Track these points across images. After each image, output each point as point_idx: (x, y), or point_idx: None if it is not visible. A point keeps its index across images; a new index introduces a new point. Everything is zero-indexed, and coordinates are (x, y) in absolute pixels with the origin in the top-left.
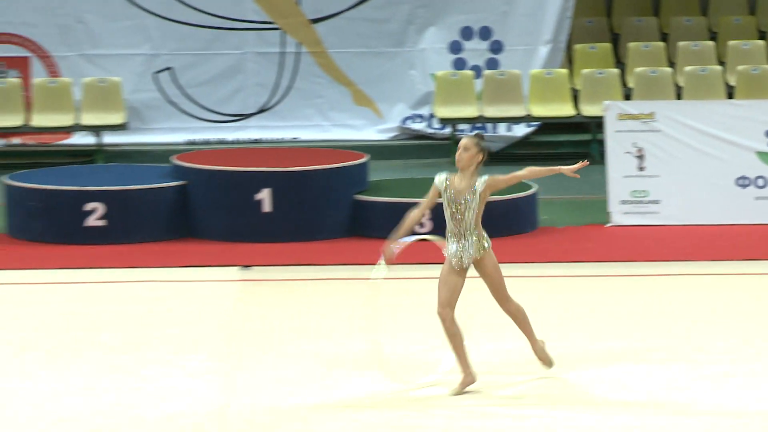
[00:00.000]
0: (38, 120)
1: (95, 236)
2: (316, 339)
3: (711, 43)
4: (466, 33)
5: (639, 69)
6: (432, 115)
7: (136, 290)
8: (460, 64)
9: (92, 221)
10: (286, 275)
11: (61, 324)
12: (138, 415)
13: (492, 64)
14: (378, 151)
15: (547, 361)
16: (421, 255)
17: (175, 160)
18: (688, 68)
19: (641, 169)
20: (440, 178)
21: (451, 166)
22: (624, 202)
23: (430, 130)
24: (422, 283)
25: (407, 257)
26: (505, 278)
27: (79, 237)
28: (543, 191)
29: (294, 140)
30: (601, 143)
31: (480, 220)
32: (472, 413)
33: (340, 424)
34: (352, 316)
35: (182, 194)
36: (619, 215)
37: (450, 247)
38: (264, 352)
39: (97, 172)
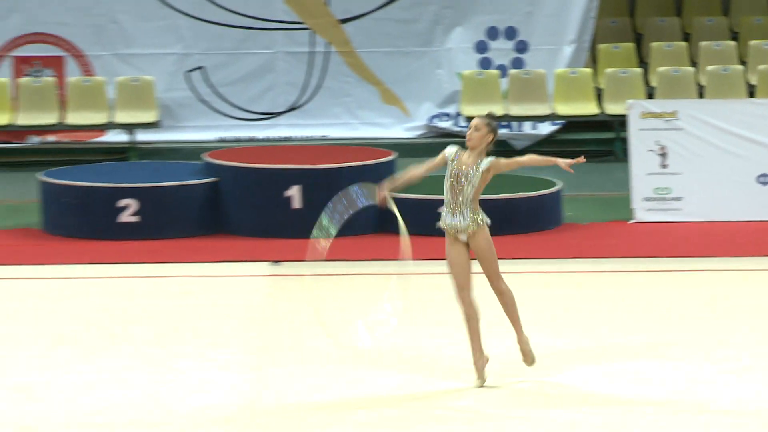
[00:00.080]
0: (73, 118)
1: (128, 232)
2: (345, 334)
3: (732, 42)
4: (492, 33)
5: (662, 68)
6: (458, 114)
7: (168, 285)
8: (486, 64)
9: (126, 217)
10: (316, 270)
11: (96, 318)
12: (170, 407)
13: (517, 63)
14: (405, 148)
15: (529, 356)
16: None
17: (207, 158)
18: (710, 67)
19: (664, 166)
20: (451, 150)
21: None
22: (647, 199)
23: (456, 129)
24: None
25: (438, 254)
26: (528, 273)
27: (113, 233)
28: (567, 188)
29: (323, 138)
30: (624, 141)
31: (478, 198)
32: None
33: (364, 420)
34: (381, 310)
35: (214, 191)
36: (643, 212)
37: (445, 218)
38: (293, 346)
39: (130, 169)
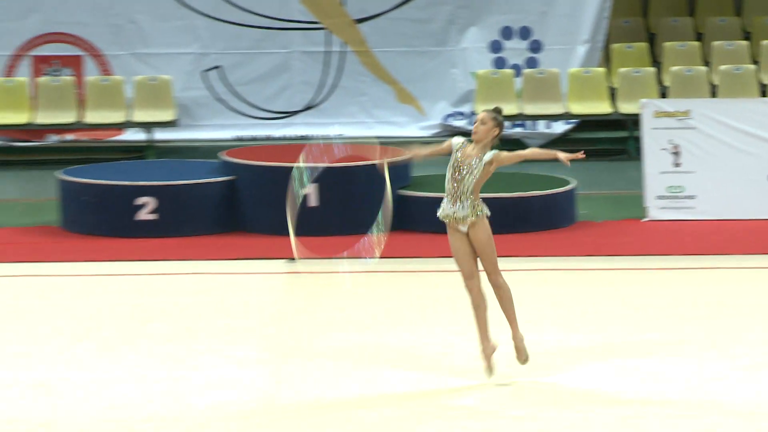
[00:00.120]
0: (91, 117)
1: (146, 230)
2: (361, 331)
3: (745, 42)
4: (507, 33)
5: (675, 68)
6: (473, 113)
7: (185, 282)
8: (500, 63)
9: (143, 215)
10: (332, 268)
11: (114, 315)
12: (187, 402)
13: (531, 62)
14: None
15: (522, 354)
16: None
17: (224, 156)
18: (722, 67)
19: (677, 165)
20: (457, 140)
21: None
22: (660, 197)
23: (471, 127)
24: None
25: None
26: (541, 270)
27: (131, 230)
28: (581, 187)
29: (339, 137)
30: (637, 140)
31: (479, 189)
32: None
33: (381, 417)
34: (397, 307)
35: (230, 189)
36: (656, 210)
37: (445, 208)
38: (310, 343)
39: (148, 168)
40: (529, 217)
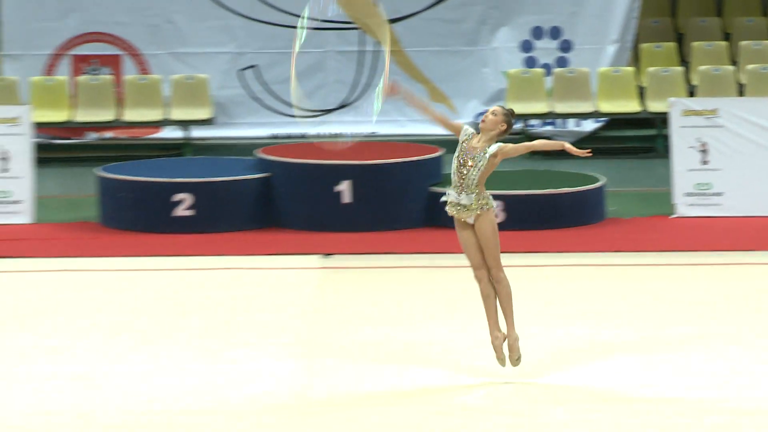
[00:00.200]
0: (129, 115)
1: (183, 225)
2: (393, 325)
3: None
4: (537, 33)
5: (702, 67)
6: None
7: (222, 277)
8: (531, 63)
9: (180, 211)
10: (365, 263)
11: (152, 309)
12: (224, 395)
13: (562, 62)
14: (452, 145)
15: (515, 353)
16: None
17: (259, 154)
18: (749, 66)
19: (705, 162)
20: (466, 129)
21: (522, 159)
22: (688, 194)
23: None
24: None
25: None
26: (573, 266)
27: (168, 226)
28: (611, 184)
29: (372, 135)
30: (666, 138)
31: (484, 181)
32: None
33: (411, 411)
34: (429, 302)
35: (266, 186)
36: (684, 207)
37: (451, 194)
38: (343, 336)
39: (185, 165)
40: (559, 213)
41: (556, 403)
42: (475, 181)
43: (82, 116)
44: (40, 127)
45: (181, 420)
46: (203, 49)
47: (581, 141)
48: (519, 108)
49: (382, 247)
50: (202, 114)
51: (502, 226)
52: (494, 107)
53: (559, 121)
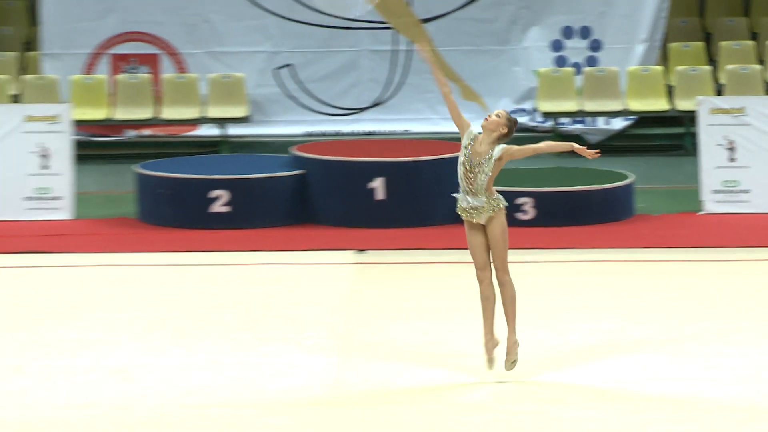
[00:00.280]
0: (167, 113)
1: (220, 221)
2: (426, 320)
3: None
4: (567, 32)
5: (730, 66)
6: (535, 110)
7: (257, 272)
8: (561, 62)
9: (217, 207)
10: (399, 259)
11: (188, 303)
12: (259, 388)
13: (591, 61)
14: None
15: (511, 357)
16: (527, 241)
17: (295, 151)
18: None
19: (732, 160)
20: (470, 131)
21: (551, 157)
22: (716, 191)
23: (533, 124)
24: (533, 267)
25: (519, 242)
26: (602, 262)
27: (205, 222)
28: (639, 181)
29: (405, 132)
30: (694, 136)
31: (492, 184)
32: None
33: (442, 407)
34: (462, 298)
35: (301, 182)
36: (712, 204)
37: (461, 202)
38: (377, 331)
39: (221, 162)
40: (589, 209)
41: (584, 400)
42: (483, 186)
43: (121, 114)
44: (80, 124)
45: (217, 413)
46: (239, 48)
47: (610, 139)
48: (549, 106)
49: (416, 243)
50: (239, 112)
51: (532, 223)
52: (498, 110)
53: (588, 119)
